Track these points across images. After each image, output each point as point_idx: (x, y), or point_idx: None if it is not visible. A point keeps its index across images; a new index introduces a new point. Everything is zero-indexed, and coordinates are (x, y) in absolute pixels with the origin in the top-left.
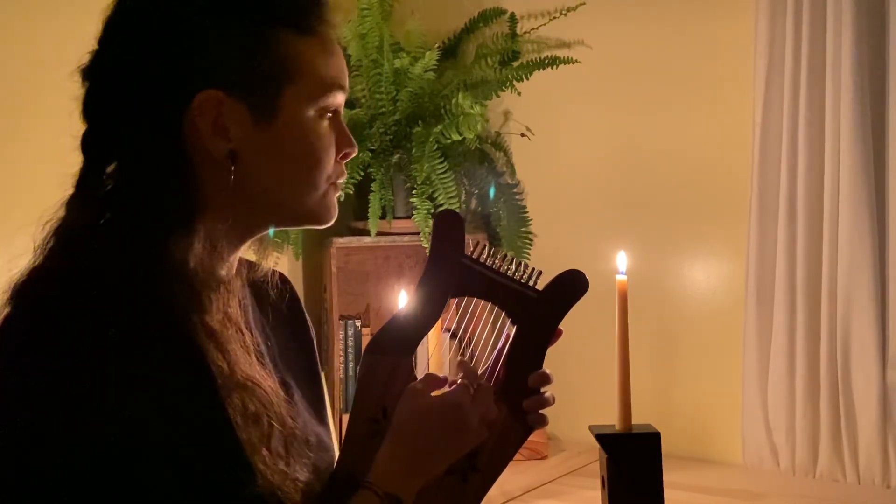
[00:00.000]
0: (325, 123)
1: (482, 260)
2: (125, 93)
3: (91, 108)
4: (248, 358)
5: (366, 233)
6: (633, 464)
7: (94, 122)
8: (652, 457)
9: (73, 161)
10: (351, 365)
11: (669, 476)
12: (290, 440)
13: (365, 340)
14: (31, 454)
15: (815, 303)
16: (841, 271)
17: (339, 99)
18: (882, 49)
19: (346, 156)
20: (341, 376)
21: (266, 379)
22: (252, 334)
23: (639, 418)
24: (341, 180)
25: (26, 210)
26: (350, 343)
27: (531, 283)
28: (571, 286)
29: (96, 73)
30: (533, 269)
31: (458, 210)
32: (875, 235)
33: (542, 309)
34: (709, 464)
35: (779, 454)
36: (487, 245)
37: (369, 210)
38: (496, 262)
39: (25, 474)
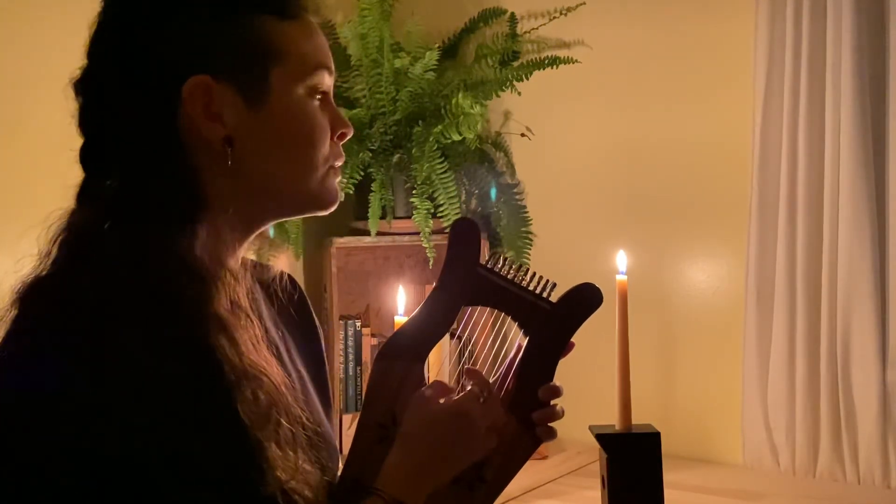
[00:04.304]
0: (316, 104)
1: (497, 270)
2: (118, 99)
3: (87, 121)
4: (256, 345)
5: (366, 233)
6: (633, 464)
7: (90, 135)
8: (652, 457)
9: (76, 165)
10: (351, 365)
11: (669, 476)
12: (298, 431)
13: (365, 340)
14: (40, 459)
15: (815, 303)
16: (841, 271)
17: (326, 80)
18: (882, 49)
19: (342, 136)
20: (341, 376)
21: (273, 366)
22: (261, 322)
23: (639, 418)
24: (339, 163)
25: (32, 211)
26: (350, 343)
27: (546, 294)
28: (585, 299)
29: (87, 86)
30: (548, 280)
31: (459, 211)
32: (875, 235)
33: (556, 321)
34: (709, 464)
35: (779, 454)
36: (503, 255)
37: (369, 210)
38: (511, 272)
39: (36, 480)
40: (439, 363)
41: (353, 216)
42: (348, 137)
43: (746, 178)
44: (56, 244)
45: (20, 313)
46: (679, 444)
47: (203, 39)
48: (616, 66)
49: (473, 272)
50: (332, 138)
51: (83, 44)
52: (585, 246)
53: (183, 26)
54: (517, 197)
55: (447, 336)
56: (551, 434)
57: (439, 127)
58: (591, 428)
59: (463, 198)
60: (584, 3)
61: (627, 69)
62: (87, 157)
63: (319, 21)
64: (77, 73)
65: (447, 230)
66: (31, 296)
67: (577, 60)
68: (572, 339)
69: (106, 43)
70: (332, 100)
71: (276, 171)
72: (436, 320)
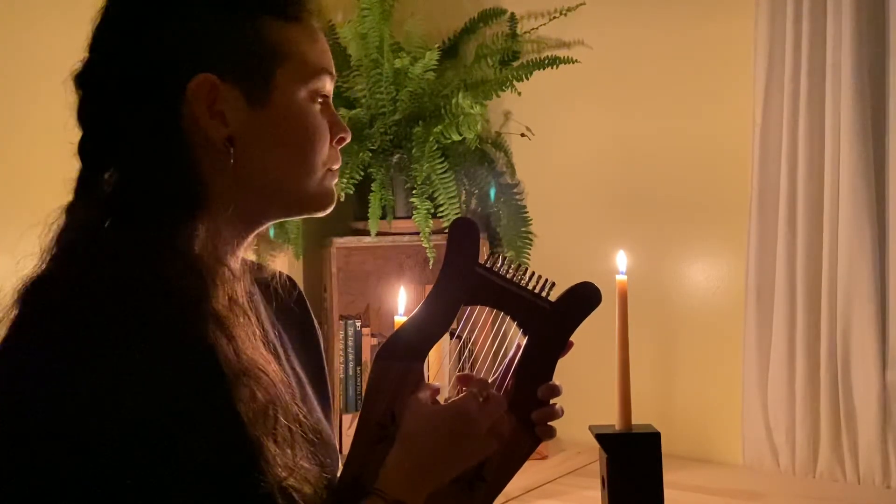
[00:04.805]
0: (317, 108)
1: (496, 269)
2: (120, 94)
3: (86, 114)
4: (253, 342)
5: (366, 233)
6: (633, 464)
7: (89, 128)
8: (652, 457)
9: (75, 162)
10: (351, 365)
11: (669, 476)
12: (296, 429)
13: (365, 341)
14: (41, 457)
15: (815, 303)
16: (841, 271)
17: (328, 84)
18: (882, 49)
19: (340, 141)
20: (341, 376)
21: (271, 363)
22: (258, 320)
23: (639, 418)
24: (336, 166)
25: (32, 211)
26: (350, 343)
27: (544, 294)
28: (584, 298)
29: (89, 79)
30: (546, 279)
31: (459, 211)
32: (875, 235)
33: (555, 321)
34: (709, 464)
35: (779, 454)
36: (502, 255)
37: (369, 210)
38: (510, 271)
39: (36, 479)
40: (439, 363)
41: (353, 216)
42: (346, 142)
43: (746, 178)
44: (56, 242)
45: (21, 313)
46: (679, 444)
47: (209, 38)
48: (616, 66)
49: (472, 272)
50: (330, 142)
51: (83, 42)
52: (585, 246)
53: (187, 24)
54: (517, 197)
55: (447, 335)
56: (551, 433)
57: (439, 127)
58: (591, 428)
59: (463, 198)
60: (584, 3)
61: (627, 69)
62: (86, 149)
63: (321, 24)
64: (78, 66)
65: (447, 230)
66: (32, 295)
67: (577, 60)
68: (571, 339)
69: (110, 38)
70: (332, 104)
71: (276, 171)
72: (435, 320)
